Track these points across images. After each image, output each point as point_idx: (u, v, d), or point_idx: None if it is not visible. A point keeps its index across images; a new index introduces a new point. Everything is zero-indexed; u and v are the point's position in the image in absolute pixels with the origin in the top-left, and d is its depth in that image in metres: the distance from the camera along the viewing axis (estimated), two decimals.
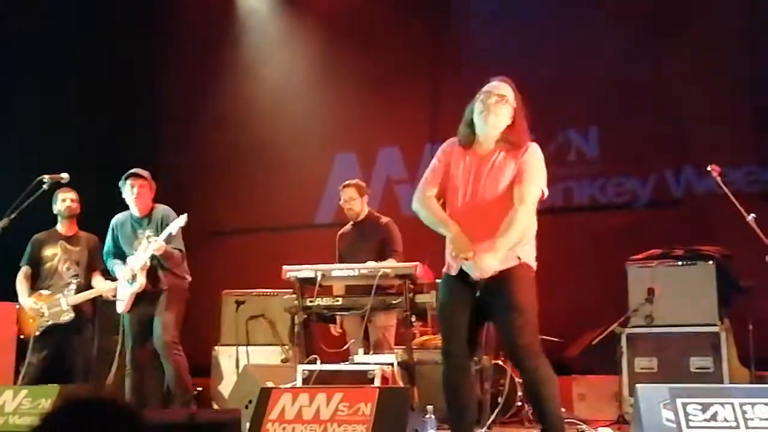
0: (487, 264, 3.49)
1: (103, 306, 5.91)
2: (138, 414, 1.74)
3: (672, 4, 7.23)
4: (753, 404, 3.59)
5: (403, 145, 7.73)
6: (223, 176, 8.43)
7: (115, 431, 1.69)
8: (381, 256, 5.35)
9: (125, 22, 8.42)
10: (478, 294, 3.58)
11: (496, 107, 3.60)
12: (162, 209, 5.43)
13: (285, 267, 4.95)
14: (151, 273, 5.27)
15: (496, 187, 3.59)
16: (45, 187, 5.32)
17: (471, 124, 3.68)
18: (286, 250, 7.24)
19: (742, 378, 5.19)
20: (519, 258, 3.59)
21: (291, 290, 5.07)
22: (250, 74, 8.77)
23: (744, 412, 3.59)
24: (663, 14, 7.23)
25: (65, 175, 5.39)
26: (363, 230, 5.62)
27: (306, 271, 4.92)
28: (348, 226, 5.74)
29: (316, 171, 8.37)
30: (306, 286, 4.95)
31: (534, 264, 3.66)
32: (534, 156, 3.64)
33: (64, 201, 5.71)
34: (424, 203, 3.70)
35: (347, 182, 5.77)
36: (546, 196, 3.67)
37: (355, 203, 5.64)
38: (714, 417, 3.60)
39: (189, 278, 5.42)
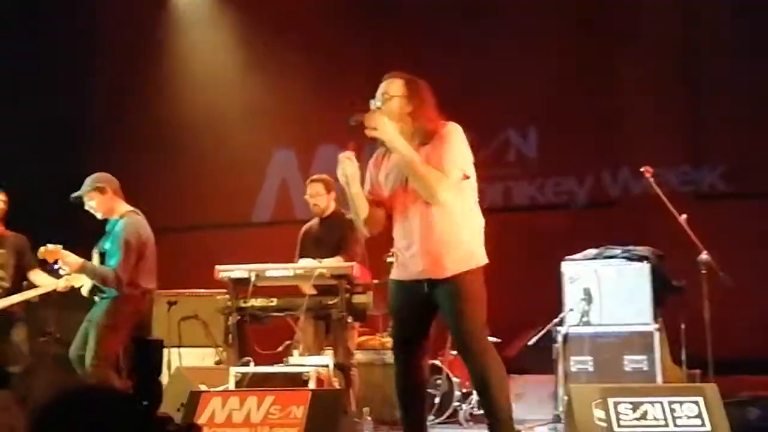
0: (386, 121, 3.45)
1: (31, 307, 5.68)
2: (134, 400, 1.71)
3: (610, 8, 7.32)
4: (681, 403, 3.67)
5: (342, 143, 7.64)
6: (155, 172, 8.23)
7: (112, 418, 1.64)
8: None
9: (50, 17, 8.17)
10: (426, 290, 3.54)
11: (382, 110, 3.57)
12: (123, 221, 5.06)
13: (218, 267, 4.83)
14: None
15: None
16: None
17: None
18: (220, 249, 7.12)
19: (674, 377, 5.26)
20: (466, 264, 3.52)
21: (225, 290, 4.95)
22: (183, 67, 8.60)
23: (673, 411, 3.66)
24: (602, 18, 7.34)
25: None
26: (328, 226, 5.47)
27: (239, 271, 4.80)
28: (314, 222, 5.60)
29: (253, 167, 8.25)
30: (240, 286, 4.84)
31: (483, 261, 3.59)
32: (454, 134, 3.56)
33: None
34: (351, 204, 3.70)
35: (314, 177, 5.61)
36: (471, 178, 3.58)
37: (321, 199, 5.48)
38: (644, 415, 3.67)
39: (132, 291, 5.05)
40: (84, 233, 5.45)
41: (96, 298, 5.11)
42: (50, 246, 5.02)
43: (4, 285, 5.46)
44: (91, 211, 5.13)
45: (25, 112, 7.88)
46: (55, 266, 5.04)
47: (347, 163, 3.56)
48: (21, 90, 7.90)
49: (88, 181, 5.14)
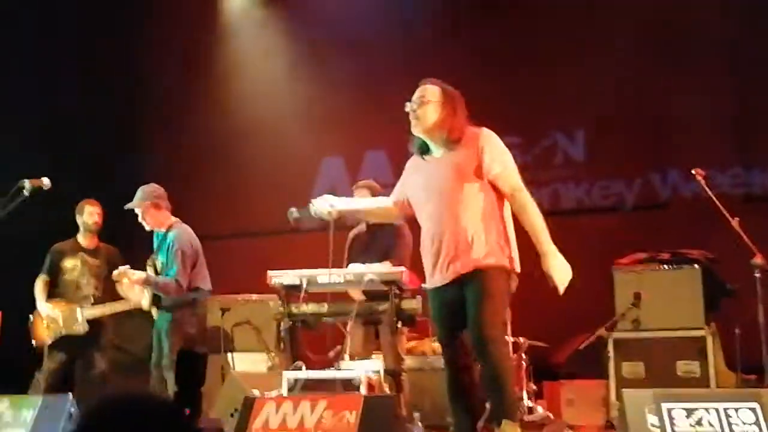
0: (561, 271, 3.55)
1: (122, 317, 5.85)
2: (178, 409, 1.73)
3: (659, 13, 7.24)
4: (737, 409, 3.61)
5: (389, 148, 7.70)
6: (207, 180, 8.38)
7: (155, 426, 1.67)
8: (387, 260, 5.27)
9: (107, 26, 8.35)
10: (457, 290, 3.63)
11: (416, 112, 3.73)
12: (173, 233, 5.29)
13: (270, 273, 4.91)
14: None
15: (455, 184, 3.65)
16: (26, 192, 5.23)
17: None
18: (271, 255, 7.21)
19: (728, 382, 5.19)
20: (491, 260, 3.61)
21: (276, 296, 5.02)
22: (233, 76, 8.73)
23: (728, 417, 3.61)
24: (651, 22, 7.26)
25: (46, 181, 5.29)
26: (374, 233, 5.50)
27: (291, 277, 4.87)
28: (362, 227, 5.62)
29: (302, 175, 8.33)
30: (291, 292, 4.91)
31: (510, 264, 3.66)
32: (493, 141, 3.70)
33: (92, 215, 5.69)
34: None
35: (360, 183, 5.64)
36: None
37: None
38: (699, 422, 3.62)
39: (190, 296, 5.27)
40: (134, 239, 5.62)
41: (153, 312, 5.29)
42: (116, 272, 5.26)
43: (97, 294, 5.64)
44: (142, 222, 5.33)
45: (74, 118, 8.07)
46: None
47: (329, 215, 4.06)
48: (70, 95, 8.09)
49: (142, 194, 5.31)
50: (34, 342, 5.62)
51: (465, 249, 3.60)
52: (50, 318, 5.53)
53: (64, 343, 5.53)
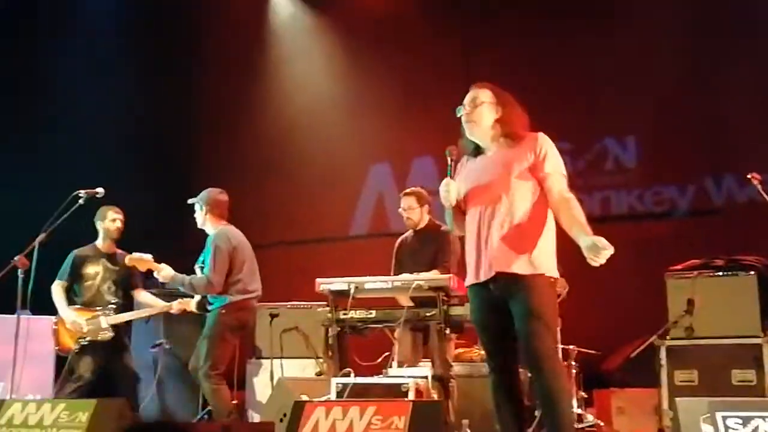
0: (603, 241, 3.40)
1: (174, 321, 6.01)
2: None
3: (714, 13, 7.12)
4: None
5: (437, 154, 7.69)
6: (257, 189, 8.47)
7: None
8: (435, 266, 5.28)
9: (158, 38, 8.51)
10: (497, 290, 3.58)
11: (471, 115, 3.72)
12: (213, 233, 5.39)
13: (318, 280, 4.94)
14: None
15: (505, 179, 3.61)
16: (81, 201, 5.37)
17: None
18: (319, 262, 7.26)
19: None
20: (536, 268, 3.55)
21: (325, 303, 5.05)
22: (283, 86, 8.84)
23: None
24: (704, 23, 7.14)
25: (101, 190, 5.43)
26: (423, 239, 5.51)
27: (339, 284, 4.90)
28: (409, 234, 5.65)
29: (350, 182, 8.38)
30: (339, 298, 4.93)
31: (555, 273, 3.62)
32: (549, 147, 3.66)
33: (115, 221, 5.70)
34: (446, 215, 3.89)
35: (407, 190, 5.67)
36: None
37: (414, 212, 5.53)
38: (755, 431, 3.52)
39: (231, 299, 5.33)
40: (185, 251, 5.70)
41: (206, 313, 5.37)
42: (138, 255, 5.36)
43: (118, 301, 5.70)
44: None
45: (127, 131, 8.24)
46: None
47: (452, 188, 3.72)
48: (122, 107, 8.26)
49: (201, 194, 5.50)
50: (57, 349, 5.62)
51: (509, 247, 3.55)
52: (75, 325, 5.50)
53: (91, 350, 5.50)
